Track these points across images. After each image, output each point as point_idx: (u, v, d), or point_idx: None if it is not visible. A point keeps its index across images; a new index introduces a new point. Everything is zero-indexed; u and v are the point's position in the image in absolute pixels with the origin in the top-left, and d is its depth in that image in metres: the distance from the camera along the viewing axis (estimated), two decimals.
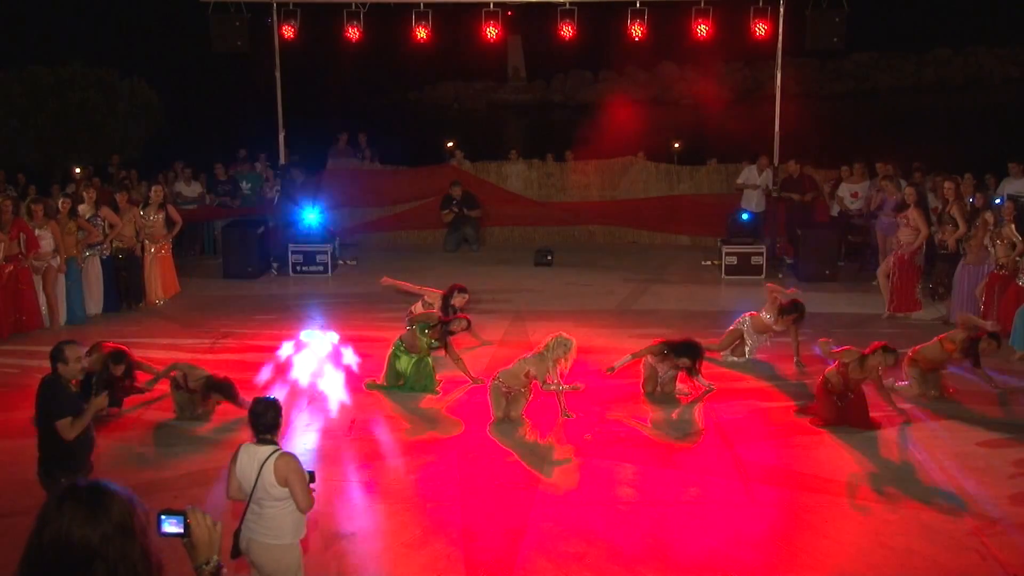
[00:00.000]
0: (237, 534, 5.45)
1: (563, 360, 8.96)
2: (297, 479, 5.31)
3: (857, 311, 12.81)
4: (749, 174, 15.82)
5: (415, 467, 8.16)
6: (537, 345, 9.29)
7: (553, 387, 9.00)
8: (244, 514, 5.42)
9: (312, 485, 5.39)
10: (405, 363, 9.95)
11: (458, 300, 10.75)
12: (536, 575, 6.45)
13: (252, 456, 5.40)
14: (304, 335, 11.92)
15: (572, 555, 6.66)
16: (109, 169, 17.27)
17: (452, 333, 10.06)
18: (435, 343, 9.98)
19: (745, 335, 10.75)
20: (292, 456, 5.40)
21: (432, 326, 9.97)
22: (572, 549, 6.73)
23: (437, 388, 10.02)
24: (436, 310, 10.52)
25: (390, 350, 10.07)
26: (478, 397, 9.36)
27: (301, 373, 10.66)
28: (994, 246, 11.56)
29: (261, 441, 5.47)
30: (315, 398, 9.86)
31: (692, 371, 9.59)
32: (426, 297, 10.94)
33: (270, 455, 5.34)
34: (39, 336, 11.39)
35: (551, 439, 8.70)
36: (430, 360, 10.06)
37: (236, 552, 5.46)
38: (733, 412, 9.34)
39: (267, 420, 5.50)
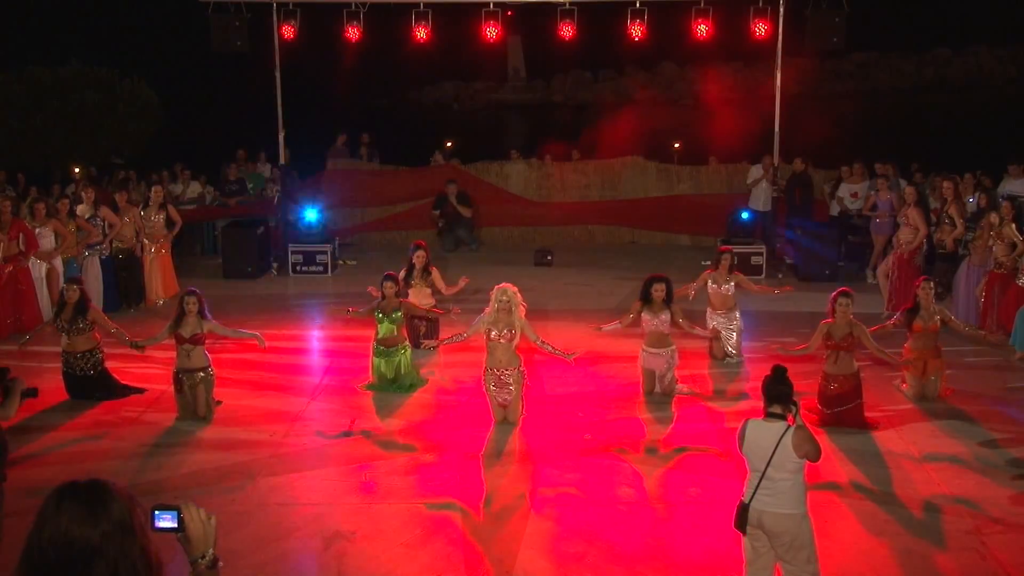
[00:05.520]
0: (745, 507, 5.60)
1: (514, 306, 9.00)
2: (810, 445, 5.52)
3: (856, 311, 12.76)
4: (757, 173, 15.84)
5: (415, 467, 8.16)
6: (483, 314, 9.22)
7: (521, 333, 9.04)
8: (756, 488, 5.56)
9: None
10: (385, 366, 9.98)
11: (418, 259, 11.10)
12: (536, 575, 6.46)
13: (765, 431, 5.57)
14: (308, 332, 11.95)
15: (572, 555, 6.66)
16: (109, 166, 17.27)
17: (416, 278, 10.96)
18: (396, 318, 9.96)
19: (715, 328, 10.82)
20: (803, 428, 5.59)
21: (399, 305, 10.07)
22: (572, 549, 6.73)
23: (425, 378, 10.15)
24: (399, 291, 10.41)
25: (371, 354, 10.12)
26: (478, 399, 9.36)
27: (301, 373, 10.67)
28: (995, 245, 11.57)
29: (771, 415, 5.62)
30: (315, 398, 9.86)
31: (670, 298, 9.74)
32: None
33: (786, 431, 5.51)
34: (39, 336, 11.36)
35: (550, 439, 8.71)
36: (407, 354, 10.09)
37: (741, 524, 5.63)
38: (733, 412, 9.34)
39: (782, 390, 5.66)
